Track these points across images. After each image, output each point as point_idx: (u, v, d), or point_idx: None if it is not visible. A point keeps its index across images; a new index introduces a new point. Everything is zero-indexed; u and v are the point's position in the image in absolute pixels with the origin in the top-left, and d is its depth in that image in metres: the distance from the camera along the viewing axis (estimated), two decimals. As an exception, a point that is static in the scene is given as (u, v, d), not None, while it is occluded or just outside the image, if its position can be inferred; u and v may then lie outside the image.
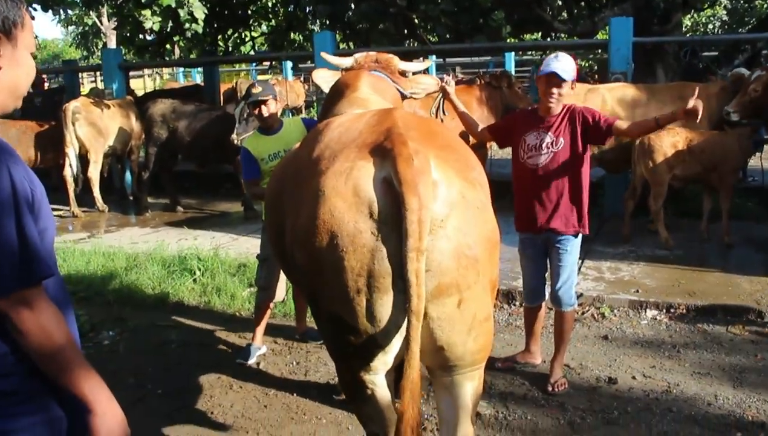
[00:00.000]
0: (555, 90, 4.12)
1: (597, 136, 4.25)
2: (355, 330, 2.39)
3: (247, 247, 7.35)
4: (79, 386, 1.80)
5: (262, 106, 4.87)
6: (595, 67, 19.24)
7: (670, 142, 6.91)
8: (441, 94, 4.48)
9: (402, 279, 2.26)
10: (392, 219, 2.29)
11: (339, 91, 3.65)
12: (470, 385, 2.58)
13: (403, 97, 4.04)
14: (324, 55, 4.51)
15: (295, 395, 4.49)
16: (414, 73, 4.28)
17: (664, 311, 5.65)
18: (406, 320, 2.30)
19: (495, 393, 4.42)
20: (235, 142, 8.16)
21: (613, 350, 5.03)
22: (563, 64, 4.06)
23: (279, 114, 5.13)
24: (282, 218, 2.80)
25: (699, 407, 4.20)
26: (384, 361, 2.49)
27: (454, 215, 2.35)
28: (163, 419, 4.21)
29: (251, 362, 4.95)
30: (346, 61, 4.10)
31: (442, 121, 4.97)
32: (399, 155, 2.31)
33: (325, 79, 4.01)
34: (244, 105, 8.13)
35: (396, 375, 2.63)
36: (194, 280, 6.62)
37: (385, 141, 2.41)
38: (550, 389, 4.42)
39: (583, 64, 20.66)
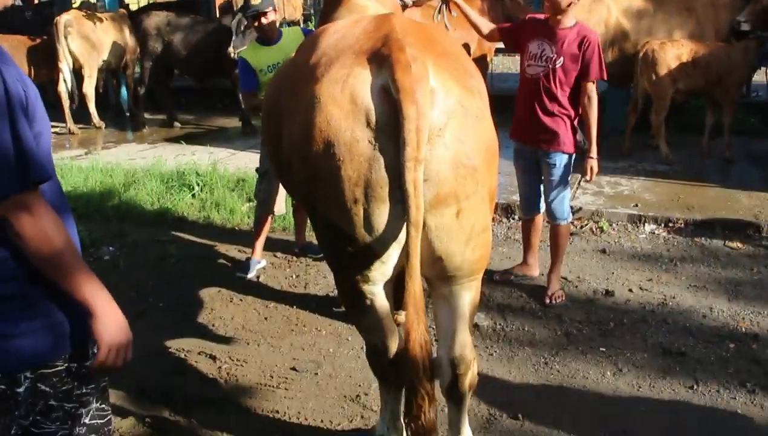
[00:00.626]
0: None
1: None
2: (353, 240, 2.37)
3: (245, 161, 7.29)
4: (80, 290, 1.79)
5: (262, 18, 4.74)
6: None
7: (674, 54, 6.76)
8: (442, 2, 4.35)
9: (400, 189, 2.22)
10: (390, 127, 2.24)
11: (335, -1, 3.54)
12: (468, 295, 2.57)
13: (404, 5, 3.92)
14: None
15: (294, 307, 4.53)
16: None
17: (663, 225, 5.65)
18: (404, 230, 2.29)
19: (493, 305, 4.45)
20: (233, 55, 7.99)
21: (611, 264, 5.06)
22: None
23: (277, 25, 5.00)
24: (279, 126, 2.74)
25: (694, 319, 4.24)
26: (382, 271, 2.48)
27: (453, 124, 2.30)
28: (164, 331, 4.25)
29: (251, 275, 4.97)
30: None
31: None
32: (397, 62, 2.23)
33: None
34: (242, 17, 7.93)
35: (396, 288, 2.63)
36: (193, 195, 6.59)
37: (383, 47, 2.33)
38: (547, 301, 4.46)
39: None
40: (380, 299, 2.58)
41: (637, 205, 5.92)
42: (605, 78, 4.26)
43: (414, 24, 2.63)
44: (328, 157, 2.30)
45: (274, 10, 4.84)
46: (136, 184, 6.89)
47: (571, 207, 5.71)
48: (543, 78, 4.15)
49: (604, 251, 5.27)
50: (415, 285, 2.31)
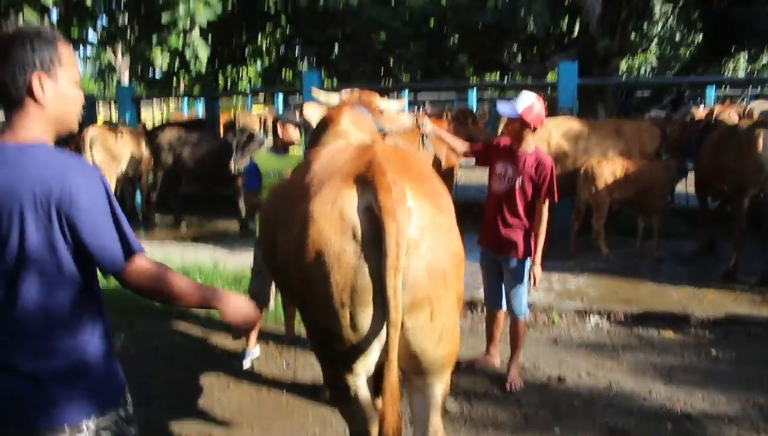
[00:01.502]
0: (509, 126, 4.20)
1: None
2: (340, 338, 2.39)
3: (242, 260, 7.25)
4: (204, 302, 2.06)
5: (287, 126, 5.00)
6: (546, 104, 19.44)
7: (609, 170, 7.00)
8: (422, 135, 4.52)
9: (381, 294, 2.27)
10: (373, 241, 2.30)
11: (324, 124, 3.65)
12: (439, 386, 2.58)
13: (382, 132, 4.05)
14: (314, 90, 4.49)
15: (285, 392, 4.46)
16: (390, 111, 4.30)
17: (605, 317, 5.70)
18: (384, 329, 2.31)
19: (459, 391, 4.41)
20: (233, 170, 8.13)
21: (562, 352, 5.06)
22: (519, 100, 4.12)
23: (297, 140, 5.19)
24: (275, 234, 2.80)
25: (635, 401, 4.24)
26: (365, 365, 2.49)
27: (426, 237, 2.37)
28: (169, 415, 4.15)
29: (246, 363, 4.90)
30: (333, 98, 4.12)
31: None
32: (379, 186, 2.32)
33: (313, 114, 4.03)
34: (240, 136, 8.12)
35: (375, 378, 2.63)
36: (196, 289, 6.54)
37: (367, 172, 2.42)
38: (507, 387, 4.44)
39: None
40: (363, 391, 2.57)
41: (582, 300, 5.98)
42: (556, 200, 4.28)
43: (393, 150, 2.73)
44: (319, 264, 2.35)
45: (296, 127, 5.07)
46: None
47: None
48: (505, 194, 4.26)
49: (555, 341, 5.29)
50: (392, 377, 2.33)
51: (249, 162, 5.03)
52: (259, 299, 4.81)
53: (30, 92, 1.83)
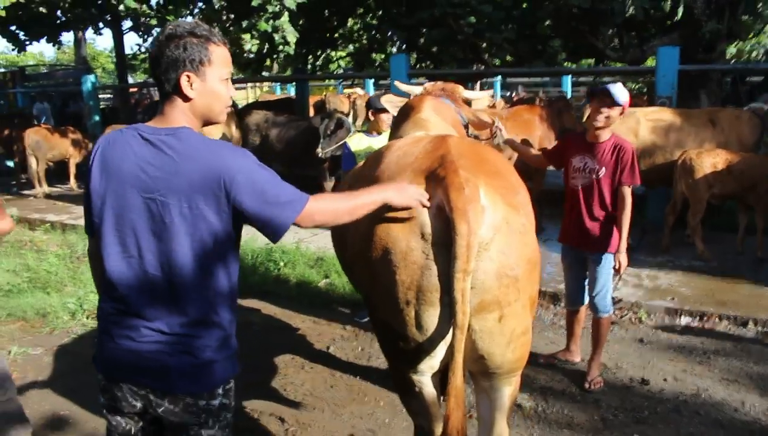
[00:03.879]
0: (605, 110, 3.93)
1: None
2: (404, 337, 2.34)
3: (324, 242, 7.35)
4: (374, 204, 2.20)
5: (380, 114, 5.07)
6: (645, 90, 18.57)
7: (710, 162, 6.56)
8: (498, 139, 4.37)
9: (448, 295, 2.19)
10: (442, 241, 2.22)
11: (405, 113, 3.59)
12: (507, 389, 2.49)
13: (465, 124, 3.94)
14: (397, 83, 4.48)
15: (358, 377, 4.47)
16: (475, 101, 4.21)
17: (698, 318, 5.38)
18: (450, 330, 2.24)
19: (536, 388, 4.29)
20: (320, 155, 8.19)
21: (648, 353, 4.82)
22: (617, 88, 3.88)
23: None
24: (345, 231, 2.76)
25: (726, 412, 3.97)
26: (430, 365, 2.42)
27: (498, 239, 2.27)
28: (242, 393, 4.19)
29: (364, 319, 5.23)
30: (416, 89, 4.05)
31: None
32: (451, 184, 2.23)
33: (393, 103, 3.99)
34: (328, 122, 8.17)
35: (442, 377, 2.57)
36: (278, 269, 6.67)
37: (439, 168, 2.33)
38: (587, 386, 4.27)
39: (633, 86, 19.98)
40: (428, 388, 2.52)
41: (674, 299, 5.66)
42: (639, 183, 4.09)
43: (467, 145, 2.63)
44: (386, 263, 2.30)
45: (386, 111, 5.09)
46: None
47: (613, 298, 5.55)
48: (588, 188, 4.08)
49: (641, 341, 5.03)
50: (458, 379, 2.26)
51: (344, 147, 5.17)
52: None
53: (179, 88, 1.99)
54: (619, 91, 3.87)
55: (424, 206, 2.25)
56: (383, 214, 2.31)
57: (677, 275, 6.26)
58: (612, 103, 3.88)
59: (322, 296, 6.05)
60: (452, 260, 2.16)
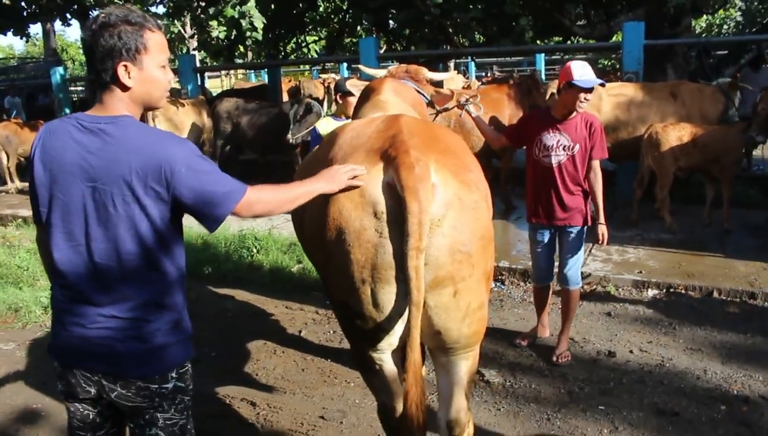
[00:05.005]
0: (587, 97, 4.02)
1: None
2: (362, 316, 2.35)
3: (298, 227, 7.34)
4: (306, 195, 2.28)
5: (347, 98, 5.03)
6: (617, 66, 18.69)
7: (675, 135, 6.64)
8: (467, 99, 4.39)
9: (403, 273, 2.21)
10: (394, 219, 2.24)
11: (365, 95, 3.58)
12: (465, 364, 2.52)
13: (429, 102, 3.96)
14: (362, 67, 4.52)
15: (329, 360, 4.49)
16: (439, 82, 4.23)
17: (664, 290, 5.47)
18: (406, 307, 2.26)
19: (504, 363, 4.34)
20: (291, 141, 8.16)
21: (615, 326, 4.89)
22: (591, 73, 3.95)
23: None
24: (302, 212, 2.77)
25: (689, 380, 4.05)
26: (389, 342, 2.44)
27: (450, 215, 2.28)
28: (214, 378, 4.25)
29: None
30: (381, 72, 4.07)
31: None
32: (402, 163, 2.24)
33: (357, 87, 4.02)
34: (298, 107, 8.13)
35: (402, 354, 2.59)
36: (251, 256, 6.66)
37: (390, 148, 2.34)
38: (555, 360, 4.32)
39: (606, 62, 20.09)
40: (388, 365, 2.54)
41: (641, 272, 5.74)
42: (607, 156, 4.21)
43: (419, 124, 2.63)
44: (340, 242, 2.31)
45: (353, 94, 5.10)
46: (204, 246, 7.01)
47: (582, 273, 5.61)
48: (564, 164, 4.12)
49: (609, 314, 5.10)
50: (415, 355, 2.28)
51: (313, 131, 5.16)
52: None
53: (117, 78, 1.97)
54: (593, 75, 3.95)
55: (354, 187, 2.29)
56: (335, 194, 2.32)
57: (645, 249, 6.35)
58: (591, 91, 3.99)
59: (295, 281, 6.06)
60: (405, 238, 2.18)
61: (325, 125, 5.12)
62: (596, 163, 4.15)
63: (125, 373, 2.04)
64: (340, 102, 5.22)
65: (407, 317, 2.27)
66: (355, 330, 2.46)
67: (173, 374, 2.11)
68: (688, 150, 6.61)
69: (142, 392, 2.07)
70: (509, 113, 7.73)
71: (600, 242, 4.24)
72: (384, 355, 2.51)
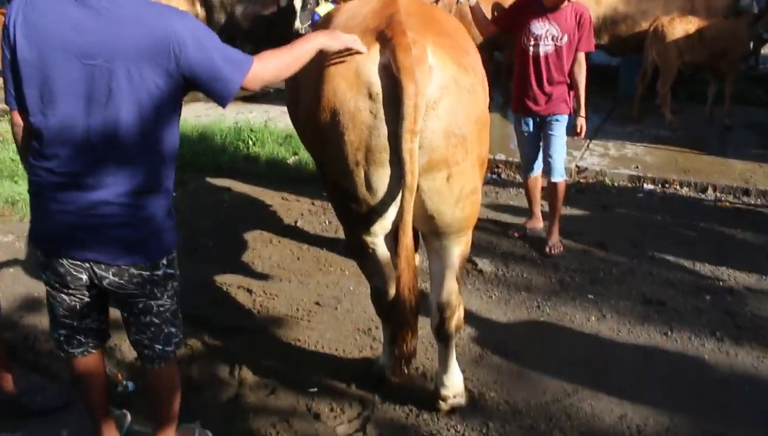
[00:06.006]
0: None
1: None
2: (356, 198, 2.37)
3: (294, 120, 7.25)
4: (309, 52, 2.19)
5: None
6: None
7: (682, 29, 6.45)
8: None
9: (397, 156, 2.20)
10: (390, 101, 2.21)
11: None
12: (457, 248, 2.56)
13: None
14: None
15: (324, 249, 4.55)
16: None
17: (660, 185, 5.49)
18: (400, 190, 2.27)
19: (498, 253, 4.41)
20: (300, 30, 7.87)
21: (609, 220, 4.94)
22: None
23: None
24: (296, 94, 2.73)
25: (677, 271, 4.14)
26: (382, 225, 2.47)
27: (446, 98, 2.26)
28: (211, 267, 4.31)
29: None
30: None
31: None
32: (398, 45, 2.20)
33: None
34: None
35: (395, 237, 2.62)
36: (247, 148, 6.62)
37: (387, 28, 2.28)
38: (547, 250, 4.39)
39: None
40: (381, 249, 2.58)
41: (638, 167, 5.74)
42: (593, 49, 4.21)
43: (417, 4, 2.55)
44: (334, 123, 2.29)
45: None
46: (201, 138, 6.94)
47: (578, 167, 5.63)
48: (551, 54, 4.06)
49: (604, 208, 5.14)
50: (407, 239, 2.32)
51: (314, 16, 4.99)
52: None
53: None
54: None
55: (358, 52, 2.25)
56: (331, 72, 2.27)
57: (644, 145, 6.33)
58: None
59: (291, 172, 6.05)
60: (400, 120, 2.16)
61: (325, 9, 5.00)
62: (581, 56, 4.12)
63: (118, 259, 2.04)
64: None
65: (400, 200, 2.28)
66: (349, 213, 2.48)
67: (164, 261, 2.13)
68: (694, 44, 6.44)
69: (135, 279, 2.08)
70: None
71: (578, 133, 4.26)
72: (377, 239, 2.54)
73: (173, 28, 1.88)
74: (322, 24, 2.70)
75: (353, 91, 2.25)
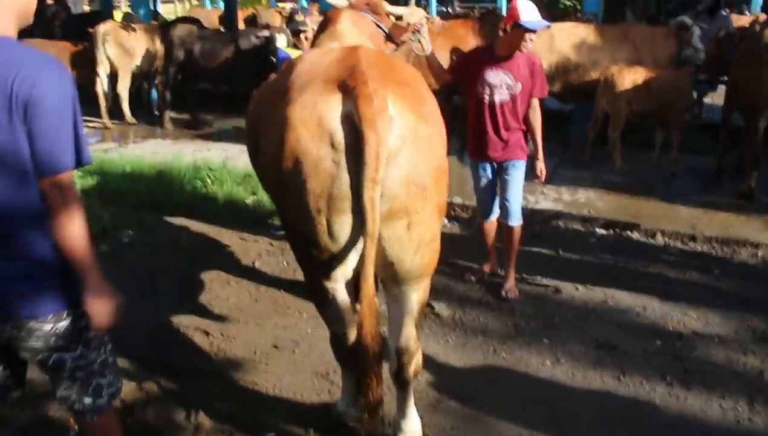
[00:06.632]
0: (532, 38, 4.05)
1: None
2: (317, 245, 2.38)
3: (253, 160, 7.24)
4: (81, 266, 1.95)
5: (301, 35, 5.06)
6: (579, 7, 18.60)
7: (630, 79, 6.72)
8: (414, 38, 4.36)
9: (358, 204, 2.23)
10: (351, 150, 2.24)
11: (323, 26, 3.53)
12: (416, 295, 2.58)
13: (387, 36, 3.92)
14: None
15: (282, 291, 4.53)
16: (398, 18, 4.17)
17: (611, 230, 5.64)
18: (361, 238, 2.29)
19: (455, 297, 4.45)
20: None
21: (562, 263, 5.04)
22: (538, 15, 3.95)
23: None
24: (257, 138, 2.75)
25: (628, 317, 4.23)
26: (342, 272, 2.48)
27: (406, 147, 2.30)
28: (168, 308, 4.25)
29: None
30: (343, 2, 4.00)
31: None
32: (360, 95, 2.24)
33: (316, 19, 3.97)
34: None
35: (355, 283, 2.63)
36: (205, 187, 6.58)
37: (349, 78, 2.32)
38: (503, 294, 4.46)
39: (566, 3, 20.00)
40: (341, 295, 2.59)
41: (589, 211, 5.90)
42: (547, 95, 4.34)
43: (377, 55, 2.61)
44: (297, 171, 2.31)
45: (310, 29, 5.20)
46: (158, 176, 6.88)
47: (532, 211, 5.74)
48: (506, 102, 4.18)
49: (557, 251, 5.25)
50: (369, 286, 2.33)
51: (280, 53, 5.14)
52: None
53: None
54: (539, 16, 3.95)
55: (103, 321, 2.04)
56: (294, 121, 2.30)
57: (595, 189, 6.49)
58: (536, 31, 4.01)
59: (249, 212, 6.03)
60: (361, 169, 2.19)
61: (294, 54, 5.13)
62: (536, 102, 4.25)
63: (13, 313, 1.94)
64: (294, 40, 5.19)
65: (361, 247, 2.30)
66: (310, 260, 2.49)
67: (66, 313, 2.02)
68: (642, 94, 6.71)
69: (35, 333, 1.98)
70: (473, 47, 7.67)
71: (539, 177, 4.35)
72: (337, 285, 2.55)
73: (42, 77, 1.83)
74: (285, 72, 2.73)
75: (316, 139, 2.28)
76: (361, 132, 2.19)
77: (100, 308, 2.00)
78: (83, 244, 1.94)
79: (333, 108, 2.29)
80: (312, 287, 2.68)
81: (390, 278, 2.53)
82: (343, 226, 2.32)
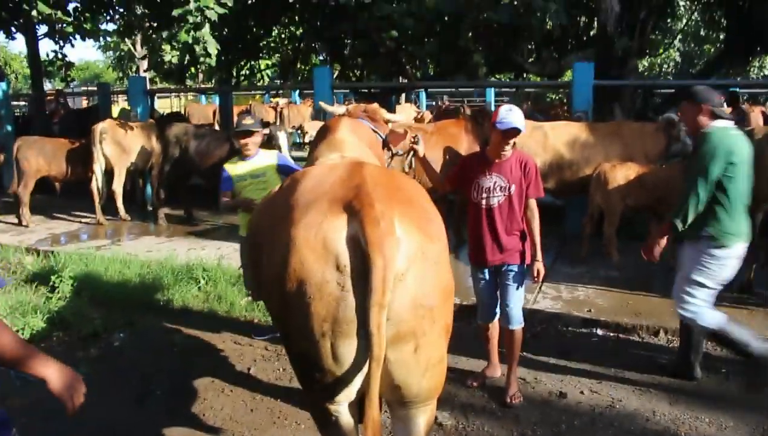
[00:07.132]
0: (511, 141, 4.08)
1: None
2: (320, 368, 2.30)
3: (248, 258, 7.20)
4: (32, 368, 1.96)
5: (248, 138, 5.00)
6: (565, 100, 19.19)
7: (623, 175, 6.82)
8: (412, 151, 4.43)
9: (364, 328, 2.17)
10: (357, 273, 2.20)
11: (322, 134, 3.58)
12: (423, 418, 2.49)
13: (385, 142, 3.99)
14: (321, 104, 4.55)
15: (279, 400, 4.38)
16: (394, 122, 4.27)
17: (613, 329, 5.56)
18: (366, 362, 2.22)
19: (457, 405, 4.31)
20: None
21: (566, 366, 4.92)
22: (518, 117, 4.00)
23: (261, 143, 5.23)
24: (259, 254, 2.70)
25: (638, 422, 4.10)
26: (347, 395, 2.40)
27: (413, 269, 2.27)
28: (159, 418, 4.09)
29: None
30: (340, 110, 4.08)
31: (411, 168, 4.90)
32: (366, 217, 2.22)
33: (315, 128, 4.04)
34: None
35: (359, 406, 2.54)
36: (199, 287, 6.50)
37: (354, 199, 2.31)
38: (507, 400, 4.32)
39: (554, 96, 20.65)
40: (345, 417, 2.49)
41: (590, 311, 5.83)
42: (543, 195, 4.30)
43: (382, 173, 2.62)
44: (301, 294, 2.26)
45: (260, 133, 5.17)
46: (150, 276, 6.80)
47: (533, 311, 5.67)
48: (503, 204, 4.18)
49: (560, 353, 5.14)
50: (374, 411, 2.24)
51: (222, 170, 5.13)
52: (255, 292, 4.72)
53: None
54: (518, 118, 4.00)
55: (73, 400, 2.04)
56: (299, 242, 2.27)
57: (594, 286, 6.44)
58: (517, 133, 4.02)
59: (243, 314, 5.93)
60: (368, 293, 2.15)
61: (232, 166, 5.12)
62: (533, 202, 4.24)
63: None
64: (240, 142, 5.08)
65: (367, 371, 2.22)
66: (313, 382, 2.40)
67: None
68: (635, 189, 6.79)
69: None
70: (466, 147, 7.80)
71: (536, 278, 4.29)
72: (341, 407, 2.46)
73: None
74: (288, 188, 2.72)
75: (321, 262, 2.24)
76: (367, 255, 2.16)
77: (65, 382, 2.00)
78: (12, 341, 1.94)
79: (338, 229, 2.27)
80: (314, 408, 2.58)
81: (396, 400, 2.45)
82: (348, 350, 2.26)
